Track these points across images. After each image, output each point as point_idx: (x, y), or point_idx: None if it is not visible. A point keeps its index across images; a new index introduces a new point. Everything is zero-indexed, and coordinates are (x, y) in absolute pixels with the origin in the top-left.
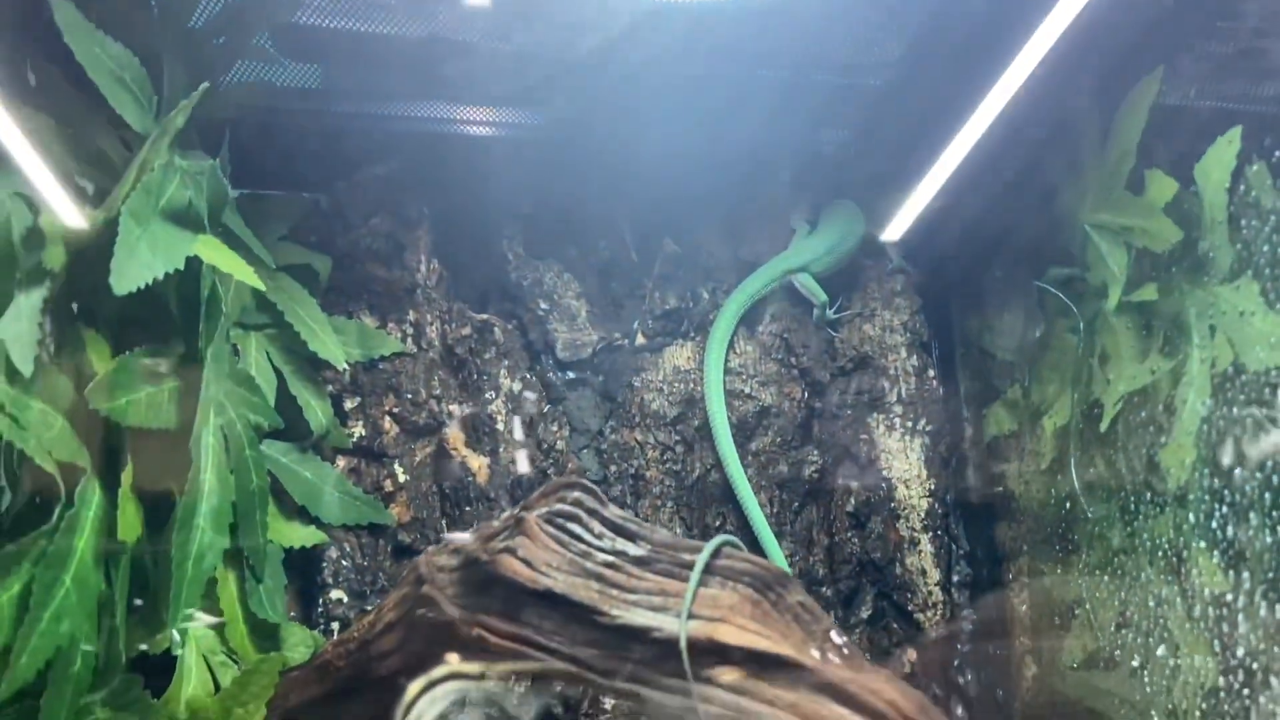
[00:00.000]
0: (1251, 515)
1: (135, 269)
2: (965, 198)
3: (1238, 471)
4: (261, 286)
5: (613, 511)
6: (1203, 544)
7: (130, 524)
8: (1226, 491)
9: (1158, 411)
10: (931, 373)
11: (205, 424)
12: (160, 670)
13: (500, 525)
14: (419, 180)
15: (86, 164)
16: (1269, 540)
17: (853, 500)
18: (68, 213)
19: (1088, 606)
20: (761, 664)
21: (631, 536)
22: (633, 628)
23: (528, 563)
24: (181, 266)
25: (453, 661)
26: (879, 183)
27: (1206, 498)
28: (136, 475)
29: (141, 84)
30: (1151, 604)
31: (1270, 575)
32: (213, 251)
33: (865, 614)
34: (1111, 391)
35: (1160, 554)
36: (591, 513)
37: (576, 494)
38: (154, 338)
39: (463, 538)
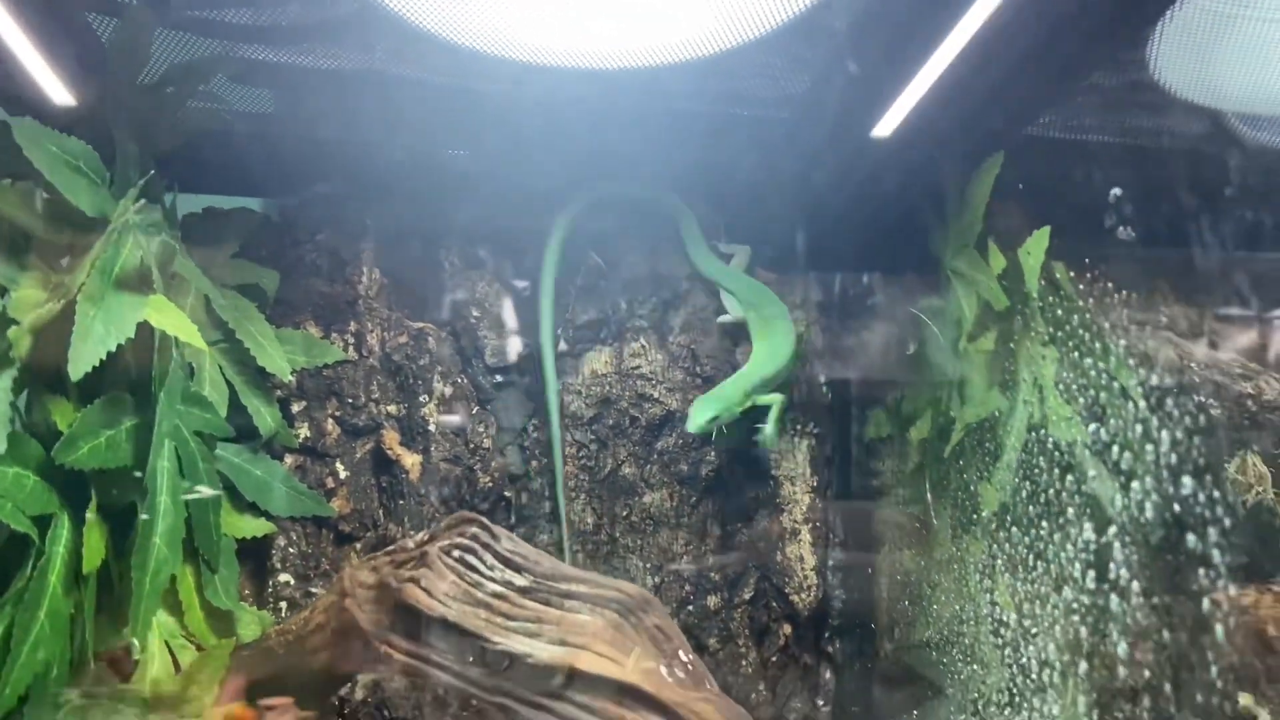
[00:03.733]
0: (1032, 558)
1: (90, 349)
2: (858, 227)
3: (1030, 514)
4: (203, 345)
5: (504, 545)
6: (1003, 572)
7: (94, 553)
8: (1019, 530)
9: (989, 445)
10: (822, 380)
11: (159, 455)
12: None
13: (409, 553)
14: (362, 197)
15: (59, 224)
16: (1047, 581)
17: (743, 495)
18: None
19: (930, 597)
20: (611, 688)
21: (518, 569)
22: (512, 653)
23: (428, 592)
24: (133, 335)
25: None
26: (783, 209)
27: (1005, 533)
28: (100, 503)
29: (95, 167)
30: (970, 607)
31: (1041, 606)
32: (161, 315)
33: (748, 595)
34: (960, 418)
35: (976, 568)
36: (485, 546)
37: (474, 529)
38: (113, 384)
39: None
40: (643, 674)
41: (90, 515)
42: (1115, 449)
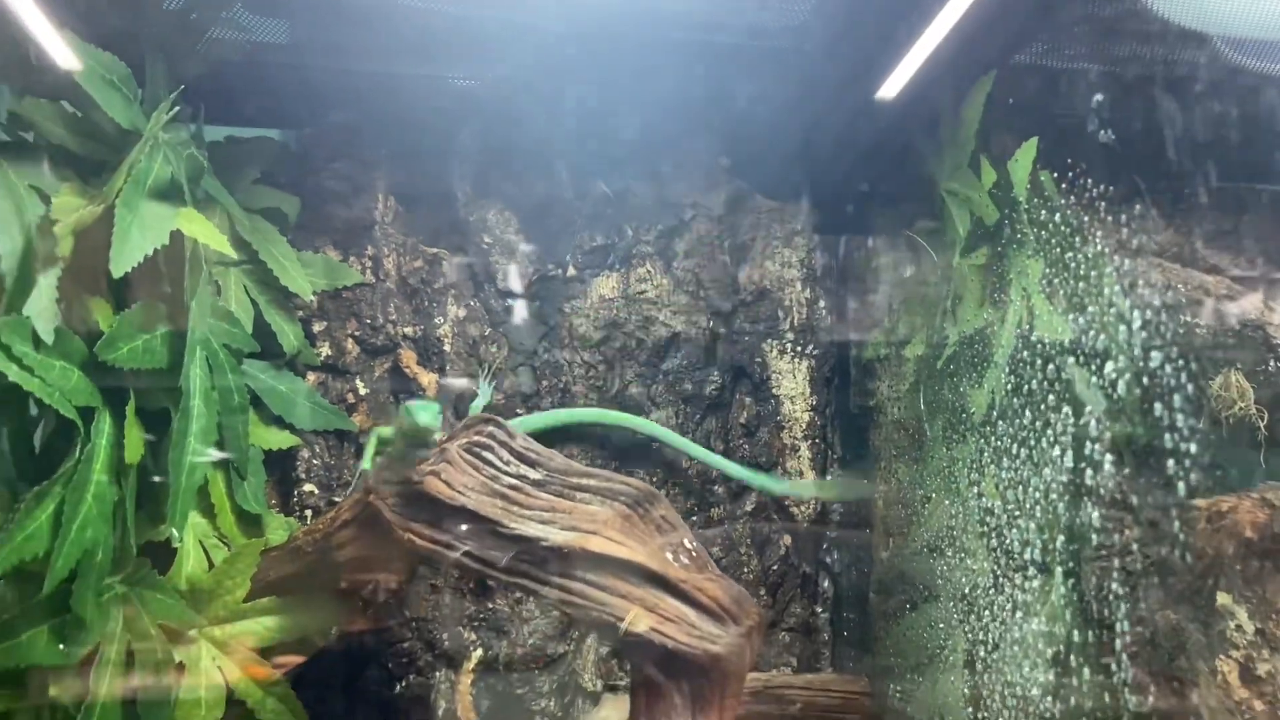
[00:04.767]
0: (1014, 451)
1: (129, 252)
2: (856, 153)
3: (1014, 417)
4: (232, 253)
5: (519, 442)
6: (989, 465)
7: (135, 447)
8: (1005, 432)
9: (980, 356)
10: (822, 304)
11: (192, 360)
12: (165, 553)
13: (430, 453)
14: (378, 126)
15: (90, 140)
16: (1025, 474)
17: (745, 413)
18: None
19: (924, 506)
20: (621, 568)
21: (532, 464)
22: (526, 537)
23: (448, 484)
24: (167, 242)
25: None
26: (782, 137)
27: (992, 435)
28: (138, 403)
29: (128, 82)
30: (961, 509)
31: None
32: (192, 224)
33: (750, 508)
34: (953, 333)
35: (965, 468)
36: (501, 443)
37: (490, 428)
38: (148, 292)
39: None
40: (650, 556)
41: (129, 413)
42: (1098, 349)
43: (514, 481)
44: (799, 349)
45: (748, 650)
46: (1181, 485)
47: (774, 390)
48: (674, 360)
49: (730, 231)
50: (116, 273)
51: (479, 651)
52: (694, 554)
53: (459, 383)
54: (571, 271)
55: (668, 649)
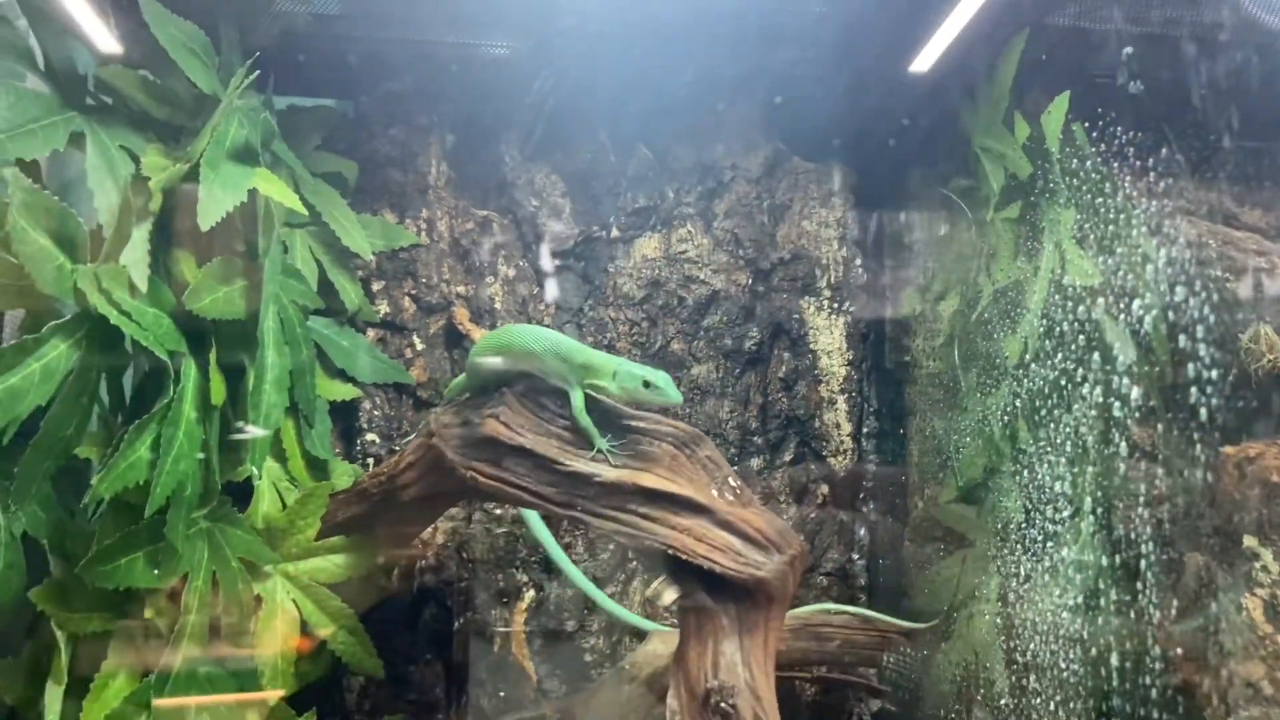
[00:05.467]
0: (1046, 395)
1: (214, 207)
2: (892, 115)
3: (1048, 363)
4: (303, 210)
5: None
6: (1021, 414)
7: (218, 390)
8: (1039, 378)
9: (1014, 306)
10: (858, 262)
11: (266, 312)
12: (242, 495)
13: (489, 399)
14: (430, 95)
15: (168, 106)
16: (1058, 414)
17: (784, 368)
18: (158, 157)
19: (958, 456)
20: (670, 501)
21: (586, 408)
22: (580, 474)
23: (507, 425)
24: (246, 199)
25: None
26: (820, 100)
27: (1026, 382)
28: (219, 352)
29: (206, 49)
30: (994, 455)
31: (1054, 439)
32: (266, 184)
33: (788, 458)
34: (987, 286)
35: (1000, 419)
36: (555, 389)
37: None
38: (224, 249)
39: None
40: (697, 491)
41: (212, 359)
42: (1128, 297)
43: (567, 423)
44: (836, 306)
45: (790, 576)
46: (1211, 434)
47: (811, 346)
48: (714, 317)
49: (769, 193)
50: (204, 226)
51: (531, 592)
52: (739, 491)
53: None
54: (615, 233)
55: (716, 574)
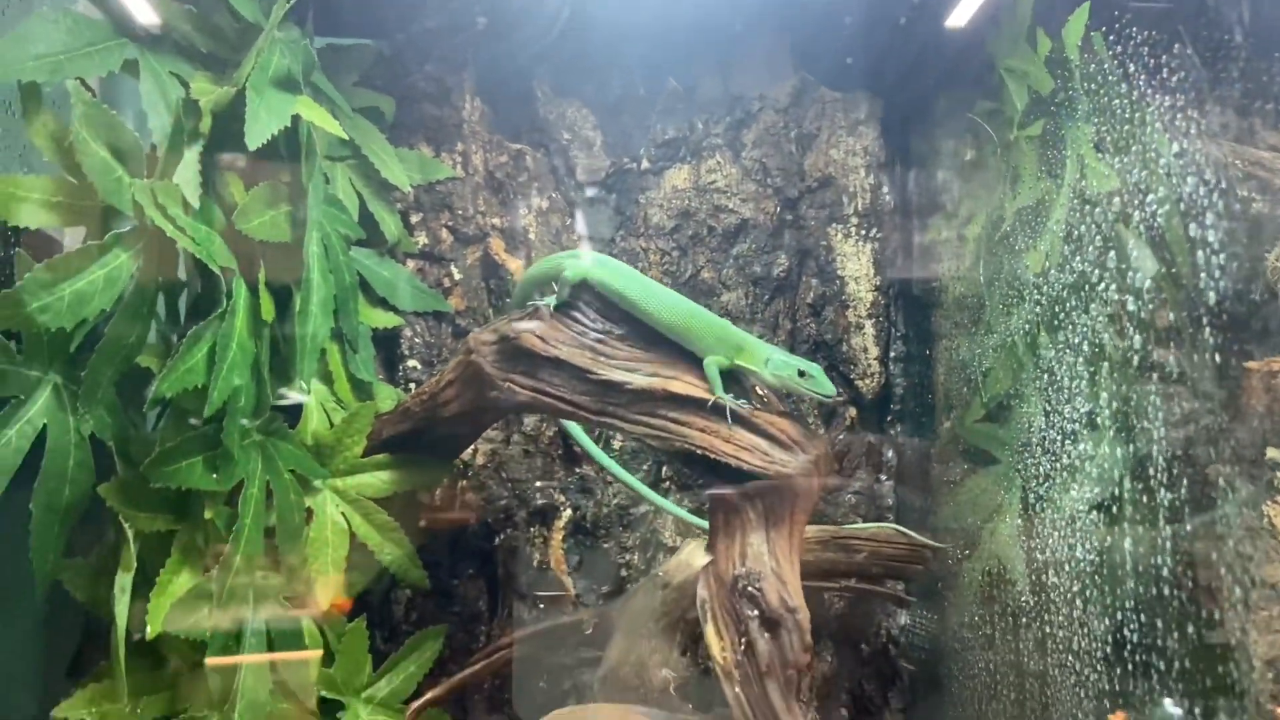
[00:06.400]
0: (1069, 306)
1: (259, 129)
2: (918, 41)
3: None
4: (344, 135)
5: (603, 304)
6: (1041, 326)
7: (268, 307)
8: (1060, 289)
9: (1037, 223)
10: (885, 189)
11: (310, 237)
12: (292, 418)
13: (524, 312)
14: (463, 31)
15: (211, 39)
16: (1077, 319)
17: (812, 294)
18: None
19: (984, 376)
20: (699, 406)
21: (615, 320)
22: (612, 382)
23: (542, 338)
24: (289, 123)
25: None
26: (846, 28)
27: (1047, 294)
28: (267, 273)
29: None
30: (1016, 366)
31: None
32: (308, 110)
33: None
34: (1010, 205)
35: (1023, 333)
36: (588, 303)
37: (569, 286)
38: (269, 176)
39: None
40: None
41: (261, 277)
42: (1149, 205)
43: (599, 335)
44: (863, 233)
45: (814, 474)
46: (1235, 348)
47: (839, 272)
48: (743, 245)
49: (796, 122)
50: (251, 145)
51: (568, 511)
52: (765, 397)
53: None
54: (645, 164)
55: (743, 472)
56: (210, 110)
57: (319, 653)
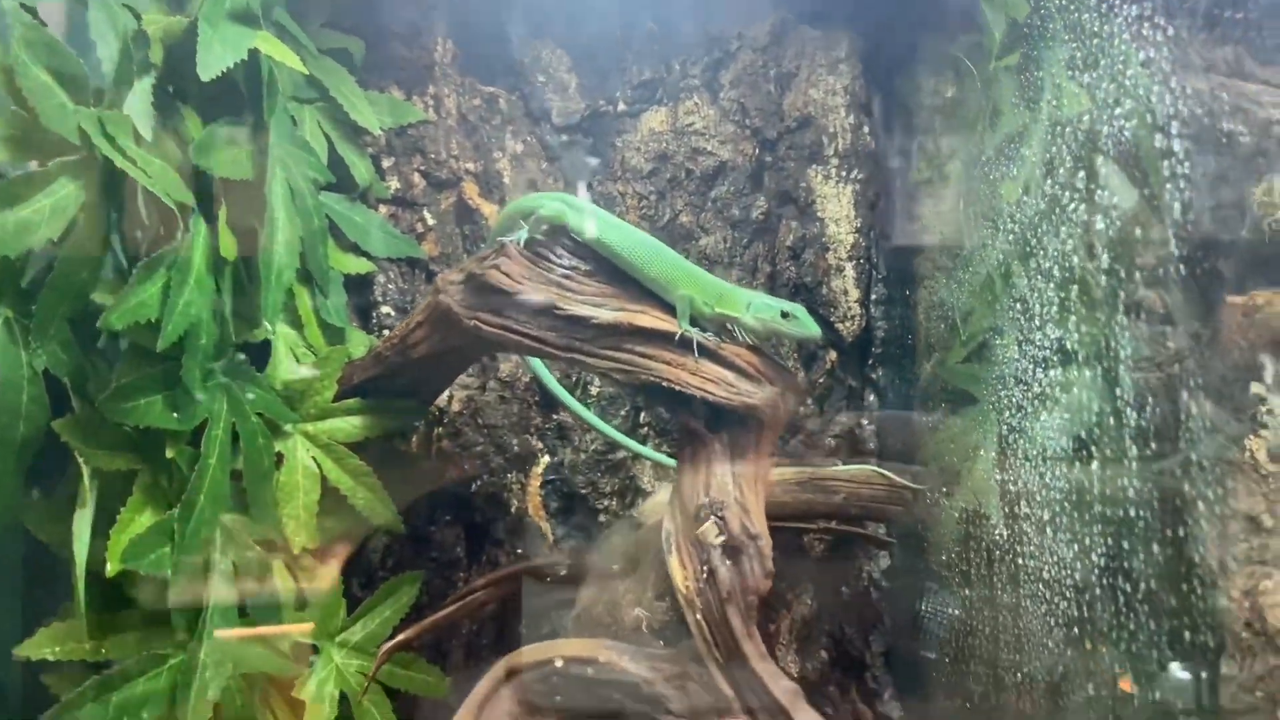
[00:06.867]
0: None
1: (212, 61)
2: None
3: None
4: (305, 71)
5: (570, 240)
6: (1015, 257)
7: (228, 245)
8: (1031, 210)
9: (1016, 155)
10: (866, 129)
11: (274, 175)
12: (258, 362)
13: (489, 250)
14: None
15: None
16: (1050, 250)
17: (791, 236)
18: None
19: (965, 315)
20: (665, 339)
21: (584, 257)
22: (579, 316)
23: (508, 275)
24: (245, 57)
25: None
26: None
27: (1020, 224)
28: (229, 213)
29: None
30: (990, 297)
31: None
32: (268, 44)
33: None
34: (990, 140)
35: (997, 265)
36: (557, 240)
37: (544, 227)
38: (231, 111)
39: None
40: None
41: (221, 215)
42: (1130, 142)
43: (566, 271)
44: (843, 174)
45: (781, 406)
46: (1218, 283)
47: (819, 214)
48: (721, 188)
49: (775, 61)
50: (204, 77)
51: (546, 457)
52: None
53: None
54: (622, 106)
55: (709, 403)
56: (160, 40)
57: (290, 587)
